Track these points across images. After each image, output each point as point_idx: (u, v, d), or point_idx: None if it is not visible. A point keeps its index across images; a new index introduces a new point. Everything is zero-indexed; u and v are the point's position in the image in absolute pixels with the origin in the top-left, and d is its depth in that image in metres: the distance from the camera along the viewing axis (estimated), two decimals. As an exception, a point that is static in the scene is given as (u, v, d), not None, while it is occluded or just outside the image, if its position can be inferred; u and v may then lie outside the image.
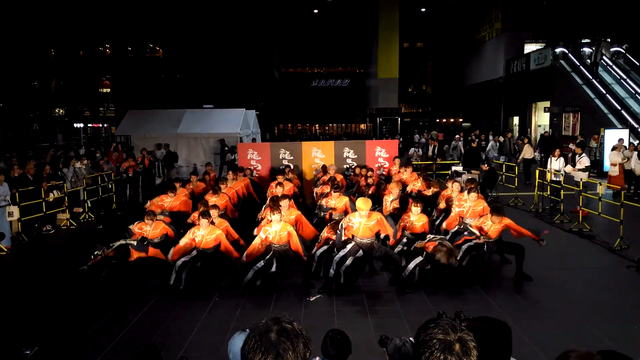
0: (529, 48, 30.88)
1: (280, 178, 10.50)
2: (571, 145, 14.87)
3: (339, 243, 7.03)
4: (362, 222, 6.86)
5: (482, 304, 6.41)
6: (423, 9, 41.66)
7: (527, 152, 17.42)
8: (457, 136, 20.19)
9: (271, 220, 6.94)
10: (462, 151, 18.61)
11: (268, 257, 6.88)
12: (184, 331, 5.79)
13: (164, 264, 7.17)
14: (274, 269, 6.84)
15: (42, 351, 2.16)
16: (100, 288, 7.07)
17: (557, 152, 12.53)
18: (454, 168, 14.93)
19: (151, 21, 43.40)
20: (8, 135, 33.71)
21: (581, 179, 11.10)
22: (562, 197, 11.43)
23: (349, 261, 6.87)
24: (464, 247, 7.42)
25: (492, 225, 7.24)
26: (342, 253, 6.93)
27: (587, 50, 25.36)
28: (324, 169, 11.77)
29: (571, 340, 5.30)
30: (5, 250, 9.60)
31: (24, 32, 41.61)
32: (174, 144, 18.83)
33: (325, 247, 7.52)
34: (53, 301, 6.84)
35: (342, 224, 7.09)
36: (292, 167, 13.12)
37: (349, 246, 6.96)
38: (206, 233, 7.02)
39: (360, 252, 6.98)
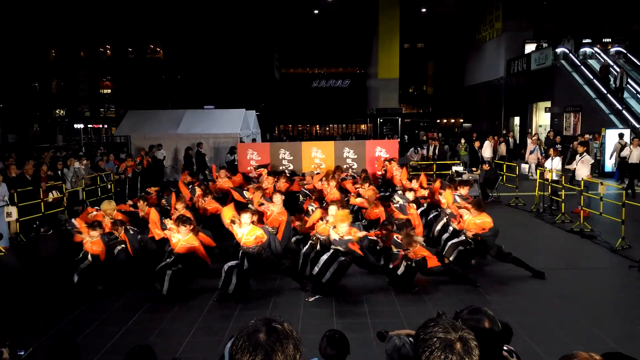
0: (530, 48, 30.80)
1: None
2: (575, 143, 14.87)
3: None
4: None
5: (483, 305, 6.33)
6: (423, 10, 41.56)
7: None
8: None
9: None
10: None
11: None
12: (181, 333, 5.73)
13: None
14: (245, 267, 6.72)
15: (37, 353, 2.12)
16: (96, 290, 7.01)
17: (552, 151, 12.49)
18: (454, 168, 14.89)
19: (152, 22, 43.37)
20: (4, 136, 33.49)
21: (582, 179, 11.04)
22: (563, 197, 11.36)
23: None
24: (449, 243, 7.45)
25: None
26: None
27: (587, 50, 25.32)
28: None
29: (573, 341, 5.24)
30: (3, 250, 9.56)
31: (24, 32, 41.62)
32: (174, 144, 18.79)
33: (309, 245, 7.52)
34: (49, 303, 6.78)
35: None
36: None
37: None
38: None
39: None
